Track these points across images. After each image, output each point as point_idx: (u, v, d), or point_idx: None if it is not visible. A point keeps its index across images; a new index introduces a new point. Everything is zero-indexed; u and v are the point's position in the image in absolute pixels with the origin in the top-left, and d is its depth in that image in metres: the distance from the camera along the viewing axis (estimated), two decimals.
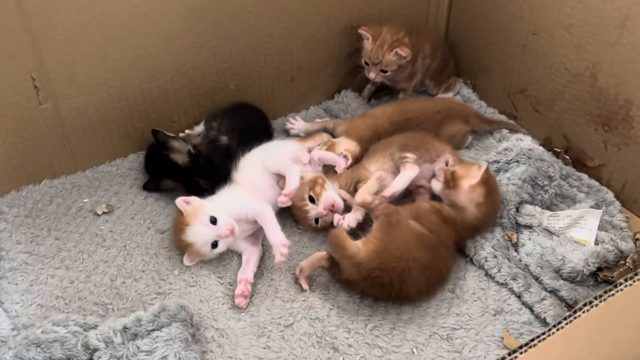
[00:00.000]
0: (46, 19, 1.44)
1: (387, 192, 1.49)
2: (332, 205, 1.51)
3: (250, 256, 1.48)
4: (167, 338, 1.23)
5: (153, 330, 1.24)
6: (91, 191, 1.67)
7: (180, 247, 1.46)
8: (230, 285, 1.45)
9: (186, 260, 1.46)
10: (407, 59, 1.80)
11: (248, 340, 1.33)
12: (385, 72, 1.82)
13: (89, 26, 1.50)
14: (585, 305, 0.88)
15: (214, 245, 1.43)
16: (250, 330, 1.35)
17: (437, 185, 1.52)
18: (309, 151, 1.67)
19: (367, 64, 1.84)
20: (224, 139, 1.69)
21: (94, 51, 1.54)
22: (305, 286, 1.43)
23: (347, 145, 1.68)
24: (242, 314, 1.39)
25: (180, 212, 1.45)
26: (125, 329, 1.23)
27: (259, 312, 1.39)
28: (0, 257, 1.47)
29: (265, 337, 1.34)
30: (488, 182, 1.45)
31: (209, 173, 1.60)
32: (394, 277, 1.33)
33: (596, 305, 0.88)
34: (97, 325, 1.26)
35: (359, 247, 1.36)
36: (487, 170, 1.45)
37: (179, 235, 1.44)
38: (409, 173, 1.52)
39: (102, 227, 1.57)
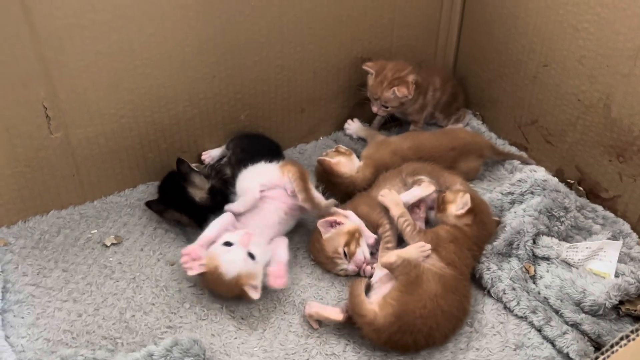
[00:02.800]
0: (60, 48, 1.44)
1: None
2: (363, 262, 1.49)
3: (277, 245, 1.47)
4: None
5: None
6: (99, 222, 1.64)
7: (233, 290, 1.38)
8: (242, 319, 1.41)
9: (254, 293, 1.37)
10: (407, 97, 1.80)
11: None
12: (386, 107, 1.83)
13: (102, 55, 1.50)
14: (621, 339, 0.85)
15: (251, 255, 1.38)
16: None
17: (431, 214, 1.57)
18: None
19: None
20: (228, 171, 1.67)
21: (106, 81, 1.54)
22: (315, 326, 1.40)
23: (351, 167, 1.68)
24: (255, 348, 1.35)
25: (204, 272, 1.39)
26: None
27: (272, 347, 1.35)
28: (6, 289, 1.43)
29: None
30: (474, 210, 1.47)
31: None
32: (419, 338, 1.30)
33: (633, 339, 0.85)
34: None
35: (376, 312, 1.31)
36: (470, 200, 1.46)
37: (221, 286, 1.38)
38: (422, 189, 1.52)
39: (111, 259, 1.54)
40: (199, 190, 1.59)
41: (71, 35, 1.44)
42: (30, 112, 1.49)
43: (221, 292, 1.42)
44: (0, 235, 1.57)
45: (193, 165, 1.74)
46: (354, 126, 1.95)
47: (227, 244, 1.39)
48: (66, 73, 1.48)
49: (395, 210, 1.48)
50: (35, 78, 1.45)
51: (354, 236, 1.48)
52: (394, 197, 1.51)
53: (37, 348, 1.31)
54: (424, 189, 1.54)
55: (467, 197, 1.47)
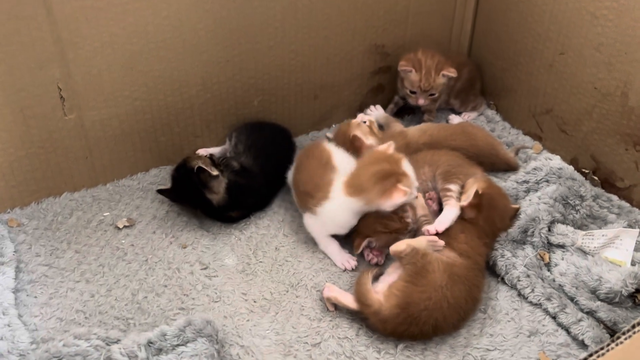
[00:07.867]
0: (76, 29, 1.44)
1: (438, 228, 1.44)
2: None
3: None
4: (192, 354, 1.20)
5: (178, 345, 1.21)
6: (112, 205, 1.64)
7: None
8: (255, 301, 1.41)
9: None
10: (455, 75, 1.82)
11: (274, 358, 1.29)
12: (433, 95, 1.85)
13: (118, 37, 1.50)
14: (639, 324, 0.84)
15: None
16: (276, 349, 1.30)
17: None
18: None
19: (413, 92, 1.85)
20: (235, 164, 1.64)
21: (121, 63, 1.53)
22: (330, 308, 1.40)
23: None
24: (267, 331, 1.35)
25: None
26: (149, 343, 1.19)
27: (284, 330, 1.35)
28: (19, 269, 1.43)
29: (291, 356, 1.29)
30: (479, 204, 1.44)
31: (243, 204, 1.59)
32: (426, 329, 1.29)
33: None
34: (119, 340, 1.22)
35: (381, 302, 1.30)
36: (476, 195, 1.44)
37: None
38: (453, 211, 1.48)
39: (123, 241, 1.54)
40: (216, 195, 1.57)
41: (87, 17, 1.44)
42: (45, 94, 1.49)
43: None
44: (14, 216, 1.58)
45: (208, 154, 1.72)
46: (376, 112, 1.93)
47: None
48: (81, 55, 1.48)
49: (421, 211, 1.51)
50: (50, 59, 1.45)
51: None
52: (422, 202, 1.54)
53: (50, 327, 1.32)
54: (454, 209, 1.49)
55: (473, 192, 1.45)
